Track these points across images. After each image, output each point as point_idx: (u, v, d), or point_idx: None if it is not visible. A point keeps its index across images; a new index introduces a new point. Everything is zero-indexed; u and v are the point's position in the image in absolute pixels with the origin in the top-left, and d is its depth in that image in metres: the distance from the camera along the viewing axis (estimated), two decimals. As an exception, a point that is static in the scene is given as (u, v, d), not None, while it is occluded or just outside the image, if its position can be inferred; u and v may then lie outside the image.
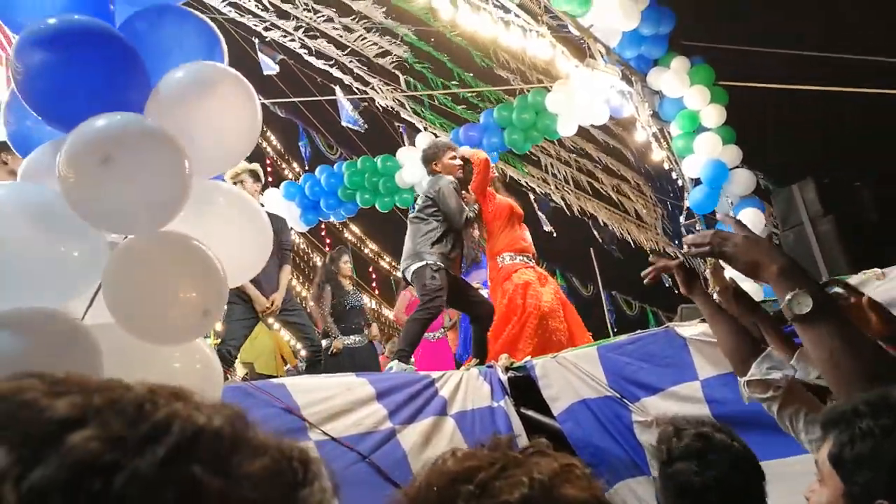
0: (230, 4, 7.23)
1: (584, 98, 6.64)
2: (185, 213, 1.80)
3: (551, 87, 6.89)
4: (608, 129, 8.44)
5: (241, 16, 7.39)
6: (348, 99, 7.93)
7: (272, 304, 4.47)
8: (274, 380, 3.12)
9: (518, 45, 6.34)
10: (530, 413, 3.42)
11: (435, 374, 3.39)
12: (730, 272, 1.92)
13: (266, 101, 8.17)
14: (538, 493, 0.66)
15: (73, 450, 0.38)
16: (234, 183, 4.47)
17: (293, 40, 7.78)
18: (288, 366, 6.58)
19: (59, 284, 1.74)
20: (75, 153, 1.63)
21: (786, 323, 1.84)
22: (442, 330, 6.01)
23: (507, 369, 3.61)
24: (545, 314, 4.67)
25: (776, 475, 1.69)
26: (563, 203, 9.58)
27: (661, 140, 7.01)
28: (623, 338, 3.44)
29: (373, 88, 8.24)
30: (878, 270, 2.65)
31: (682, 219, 7.19)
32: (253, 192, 4.56)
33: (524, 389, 3.47)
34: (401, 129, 8.60)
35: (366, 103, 8.27)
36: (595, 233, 9.91)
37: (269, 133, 11.00)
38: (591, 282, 10.31)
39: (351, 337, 5.86)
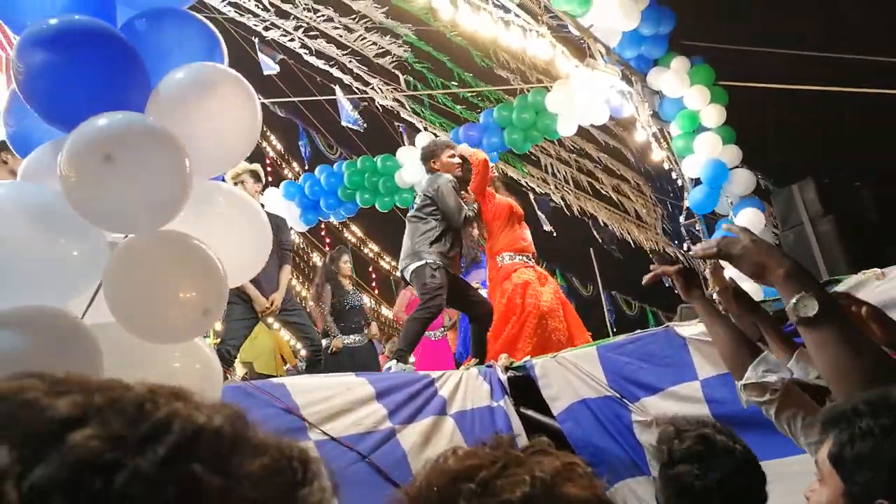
0: (230, 4, 7.22)
1: (584, 98, 6.64)
2: (186, 213, 1.80)
3: (551, 87, 6.89)
4: (608, 129, 8.43)
5: (241, 15, 7.38)
6: (348, 99, 7.92)
7: (272, 304, 4.47)
8: (274, 379, 3.12)
9: (518, 45, 6.34)
10: (530, 413, 3.42)
11: (434, 374, 3.39)
12: (729, 272, 1.92)
13: (266, 101, 8.17)
14: (540, 492, 0.66)
15: (74, 449, 0.38)
16: (235, 183, 4.47)
17: (293, 40, 7.78)
18: (288, 365, 6.59)
19: (59, 284, 1.74)
20: (77, 152, 1.63)
21: (785, 322, 1.83)
22: (442, 329, 6.01)
23: (506, 369, 3.60)
24: (545, 314, 4.67)
25: (775, 475, 1.70)
26: (562, 203, 9.57)
27: (661, 140, 7.01)
28: (623, 338, 3.44)
29: (373, 88, 8.23)
30: (877, 270, 2.65)
31: (681, 219, 7.19)
32: (254, 193, 4.55)
33: (524, 389, 3.47)
34: (401, 129, 8.60)
35: (366, 103, 8.27)
36: (595, 233, 9.90)
37: (269, 133, 10.99)
38: (591, 282, 10.31)
39: (351, 336, 5.86)
